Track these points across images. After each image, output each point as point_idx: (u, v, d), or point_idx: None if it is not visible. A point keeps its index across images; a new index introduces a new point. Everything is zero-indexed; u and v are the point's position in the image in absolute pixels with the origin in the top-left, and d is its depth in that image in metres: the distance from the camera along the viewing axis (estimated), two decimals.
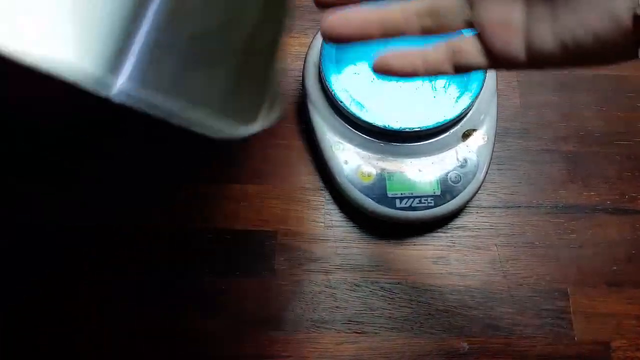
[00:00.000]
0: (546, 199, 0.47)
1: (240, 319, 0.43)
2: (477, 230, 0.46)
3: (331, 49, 0.46)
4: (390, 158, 0.45)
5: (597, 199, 0.48)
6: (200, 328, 0.43)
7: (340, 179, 0.45)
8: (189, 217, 0.46)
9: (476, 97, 0.45)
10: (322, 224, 0.46)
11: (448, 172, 0.45)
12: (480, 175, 0.45)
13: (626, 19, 0.22)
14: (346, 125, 0.46)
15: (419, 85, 0.46)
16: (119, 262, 0.44)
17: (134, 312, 0.43)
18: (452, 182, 0.45)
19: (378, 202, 0.44)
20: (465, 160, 0.45)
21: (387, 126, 0.44)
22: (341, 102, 0.45)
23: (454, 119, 0.45)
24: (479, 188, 0.45)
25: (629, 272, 0.45)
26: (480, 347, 0.43)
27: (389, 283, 0.45)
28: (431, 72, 0.27)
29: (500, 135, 0.48)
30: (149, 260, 0.45)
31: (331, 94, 0.45)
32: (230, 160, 0.48)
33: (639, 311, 0.44)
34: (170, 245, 0.45)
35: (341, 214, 0.47)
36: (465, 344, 0.43)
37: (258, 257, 0.45)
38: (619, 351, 0.43)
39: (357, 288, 0.44)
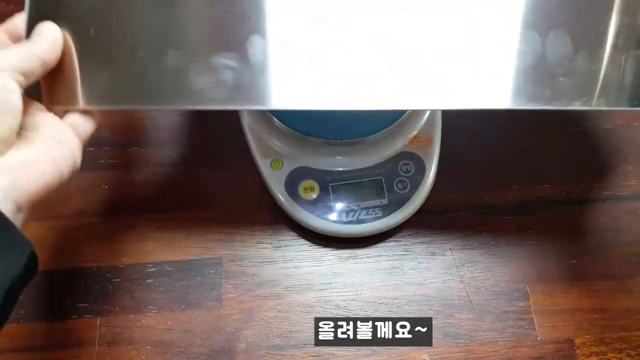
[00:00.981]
0: (499, 196, 0.46)
1: (189, 354, 0.41)
2: (430, 235, 0.45)
3: None
4: (333, 170, 0.43)
5: (552, 191, 0.46)
6: None
7: (282, 197, 0.43)
8: (123, 252, 0.43)
9: None
10: (270, 245, 0.44)
11: (394, 179, 0.43)
12: (428, 179, 0.43)
13: None
14: (283, 139, 0.43)
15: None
16: (53, 305, 0.42)
17: (78, 358, 0.41)
18: (399, 189, 0.43)
19: (324, 218, 0.42)
20: (411, 165, 0.43)
21: (325, 135, 0.42)
22: (277, 114, 0.42)
23: (394, 122, 0.43)
24: (428, 192, 0.44)
25: (588, 264, 0.44)
26: (441, 358, 0.41)
27: (344, 300, 0.43)
28: None
29: (445, 134, 0.46)
30: (80, 300, 0.42)
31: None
32: (164, 187, 0.45)
33: (601, 304, 0.42)
34: (105, 283, 0.43)
35: (289, 233, 0.45)
36: (426, 356, 0.41)
37: (203, 287, 0.43)
38: (583, 347, 0.41)
39: (310, 309, 0.42)
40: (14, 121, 0.27)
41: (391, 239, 0.44)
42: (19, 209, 0.27)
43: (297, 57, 0.32)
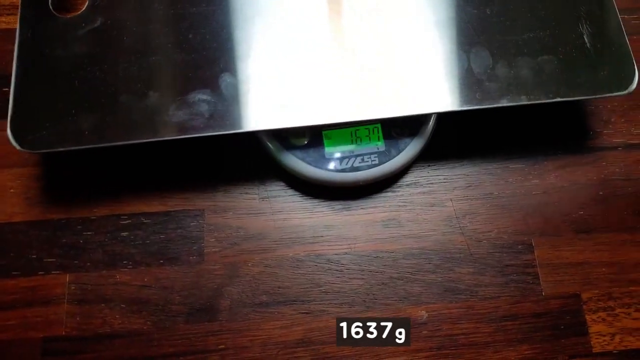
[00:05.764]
0: (504, 144, 0.43)
1: (168, 313, 0.37)
2: (429, 185, 0.41)
3: None
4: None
5: (560, 137, 0.43)
6: (122, 327, 0.37)
7: (270, 143, 0.39)
8: (95, 202, 0.40)
9: None
10: (257, 196, 0.41)
11: (391, 124, 0.39)
12: (428, 124, 0.40)
13: None
14: None
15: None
16: (18, 259, 0.38)
17: (45, 318, 0.37)
18: (397, 134, 0.39)
19: (315, 165, 0.39)
20: None
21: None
22: None
23: None
24: (428, 139, 0.40)
25: (597, 215, 0.41)
26: (440, 314, 0.38)
27: (336, 254, 0.40)
28: None
29: None
30: (48, 254, 0.38)
31: None
32: None
33: (610, 257, 0.40)
34: (75, 236, 0.39)
35: (277, 182, 0.41)
36: (423, 313, 0.38)
37: (183, 241, 0.39)
38: (590, 302, 0.39)
39: (300, 264, 0.39)
40: None
41: (387, 190, 0.41)
42: None
43: (261, 87, 0.37)
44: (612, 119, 0.43)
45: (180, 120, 0.35)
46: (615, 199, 0.41)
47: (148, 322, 0.37)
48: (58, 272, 0.38)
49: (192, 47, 0.37)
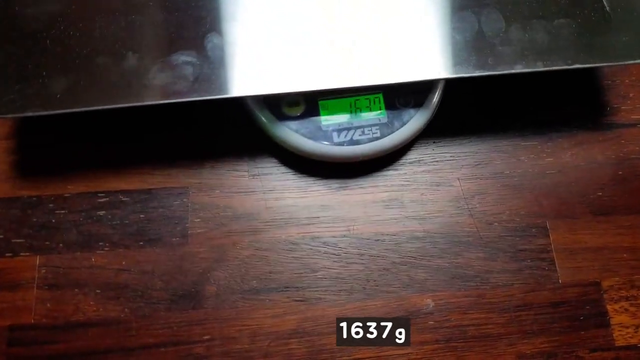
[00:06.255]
0: (515, 119, 0.39)
1: (148, 299, 0.34)
2: (435, 163, 0.38)
3: None
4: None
5: (575, 113, 0.40)
6: (97, 315, 0.34)
7: (261, 114, 0.36)
8: (69, 178, 0.36)
9: None
10: (246, 173, 0.37)
11: (395, 94, 0.36)
12: (435, 94, 0.37)
13: None
14: None
15: None
16: None
17: (12, 304, 0.34)
18: (401, 104, 0.36)
19: (310, 138, 0.35)
20: None
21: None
22: None
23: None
24: (435, 109, 0.37)
25: (617, 196, 0.38)
26: (447, 303, 0.35)
27: (333, 237, 0.36)
28: None
29: None
30: (16, 235, 0.35)
31: None
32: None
33: (632, 242, 0.37)
34: (47, 215, 0.36)
35: (269, 158, 0.38)
36: (429, 301, 0.35)
37: (165, 221, 0.36)
38: (611, 291, 0.36)
39: (294, 247, 0.36)
40: None
41: (389, 167, 0.38)
42: None
43: (251, 49, 0.34)
44: (631, 94, 0.40)
45: (163, 83, 0.32)
46: (636, 179, 0.38)
47: (126, 310, 0.34)
48: (27, 254, 0.35)
49: (175, 5, 0.34)
